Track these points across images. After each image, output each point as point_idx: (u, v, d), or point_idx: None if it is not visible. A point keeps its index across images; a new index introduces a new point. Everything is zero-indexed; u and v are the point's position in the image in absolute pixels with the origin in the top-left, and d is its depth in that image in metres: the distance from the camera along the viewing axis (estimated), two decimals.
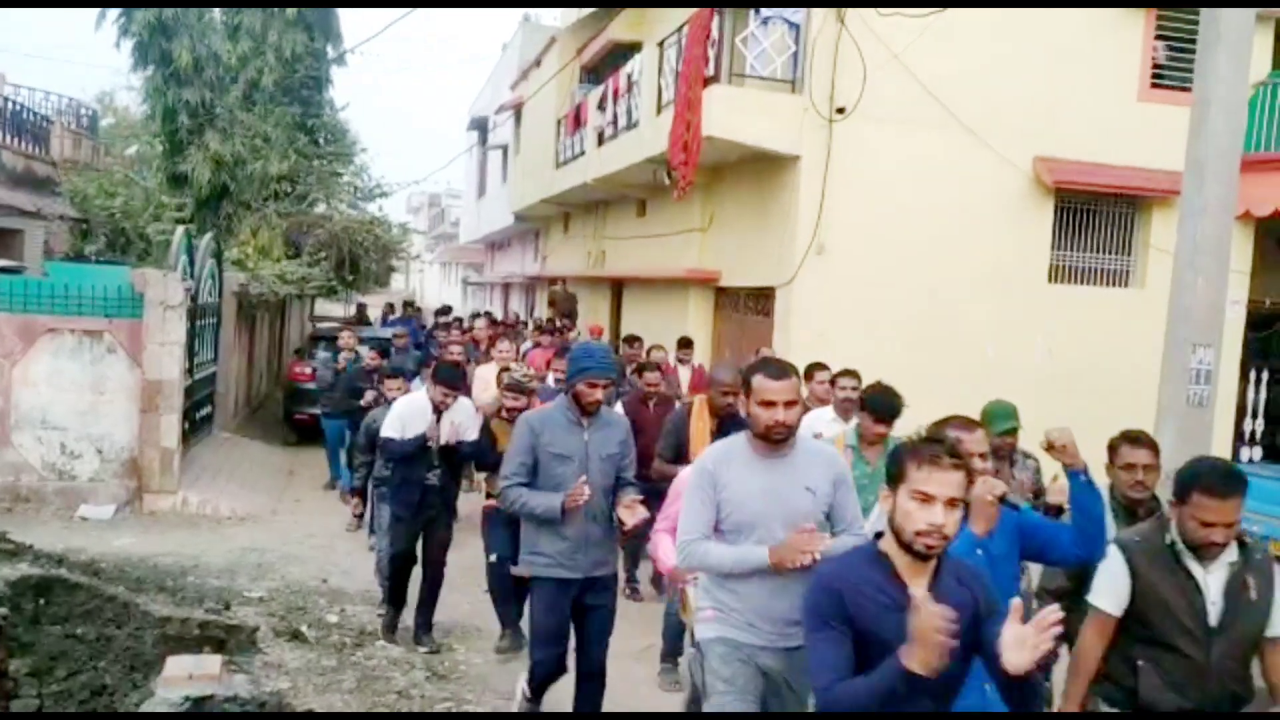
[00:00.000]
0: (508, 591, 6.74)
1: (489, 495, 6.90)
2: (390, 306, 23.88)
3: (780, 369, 3.79)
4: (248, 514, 10.67)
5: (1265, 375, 13.05)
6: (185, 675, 5.05)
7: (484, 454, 7.00)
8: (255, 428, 16.11)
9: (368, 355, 11.58)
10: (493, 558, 6.82)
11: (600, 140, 16.47)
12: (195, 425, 12.14)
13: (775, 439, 3.67)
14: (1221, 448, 11.49)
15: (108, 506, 10.25)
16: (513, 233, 28.72)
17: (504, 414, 6.92)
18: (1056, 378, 11.38)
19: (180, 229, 12.00)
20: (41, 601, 5.85)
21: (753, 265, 12.68)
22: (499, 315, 23.20)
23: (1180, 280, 4.45)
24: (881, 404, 5.43)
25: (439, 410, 6.90)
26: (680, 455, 6.67)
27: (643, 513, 4.79)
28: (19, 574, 5.72)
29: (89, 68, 71.96)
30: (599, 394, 5.00)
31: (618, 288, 18.49)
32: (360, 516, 9.85)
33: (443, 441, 6.89)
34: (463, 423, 7.01)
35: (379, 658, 6.59)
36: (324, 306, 30.48)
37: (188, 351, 11.34)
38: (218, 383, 13.85)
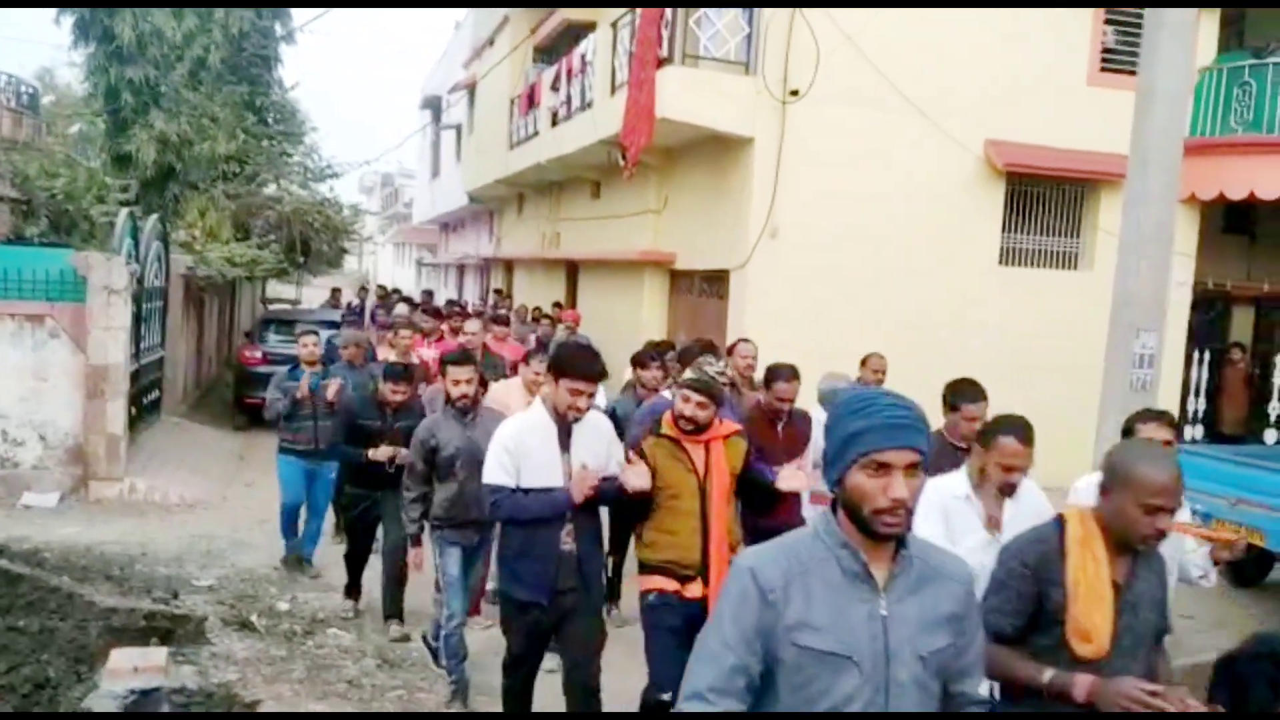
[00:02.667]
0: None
1: (645, 567, 4.67)
2: (336, 294, 21.30)
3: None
4: (197, 500, 10.52)
5: (1208, 356, 13.28)
6: (130, 668, 4.99)
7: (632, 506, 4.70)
8: (205, 412, 15.89)
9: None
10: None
11: (554, 121, 16.37)
12: (142, 410, 11.94)
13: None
14: None
15: (52, 494, 10.06)
16: (467, 213, 28.52)
17: (678, 425, 4.54)
18: (1007, 359, 11.50)
19: (124, 211, 11.76)
20: None
21: (707, 247, 12.69)
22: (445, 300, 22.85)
23: (1124, 266, 4.51)
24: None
25: (564, 426, 4.56)
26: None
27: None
28: None
29: (27, 44, 70.18)
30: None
31: (573, 270, 18.43)
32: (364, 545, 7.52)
33: (583, 491, 4.48)
34: (598, 448, 4.69)
35: (330, 646, 6.54)
36: (276, 288, 30.14)
37: (133, 336, 11.14)
38: (165, 367, 13.63)
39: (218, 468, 12.14)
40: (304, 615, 7.13)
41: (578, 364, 4.46)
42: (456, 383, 5.70)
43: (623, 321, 14.42)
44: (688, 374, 4.52)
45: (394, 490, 6.65)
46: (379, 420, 7.02)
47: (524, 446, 4.48)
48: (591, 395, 4.48)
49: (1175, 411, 12.78)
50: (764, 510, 5.01)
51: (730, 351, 7.79)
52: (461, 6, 25.45)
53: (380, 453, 6.86)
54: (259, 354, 15.03)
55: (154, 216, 13.28)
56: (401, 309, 13.24)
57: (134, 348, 11.23)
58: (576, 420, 4.48)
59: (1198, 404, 13.24)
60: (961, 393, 4.90)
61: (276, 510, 8.25)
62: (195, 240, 16.46)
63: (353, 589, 7.37)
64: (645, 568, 4.60)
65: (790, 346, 7.84)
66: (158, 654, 5.27)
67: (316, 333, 8.55)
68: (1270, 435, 12.48)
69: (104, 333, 10.33)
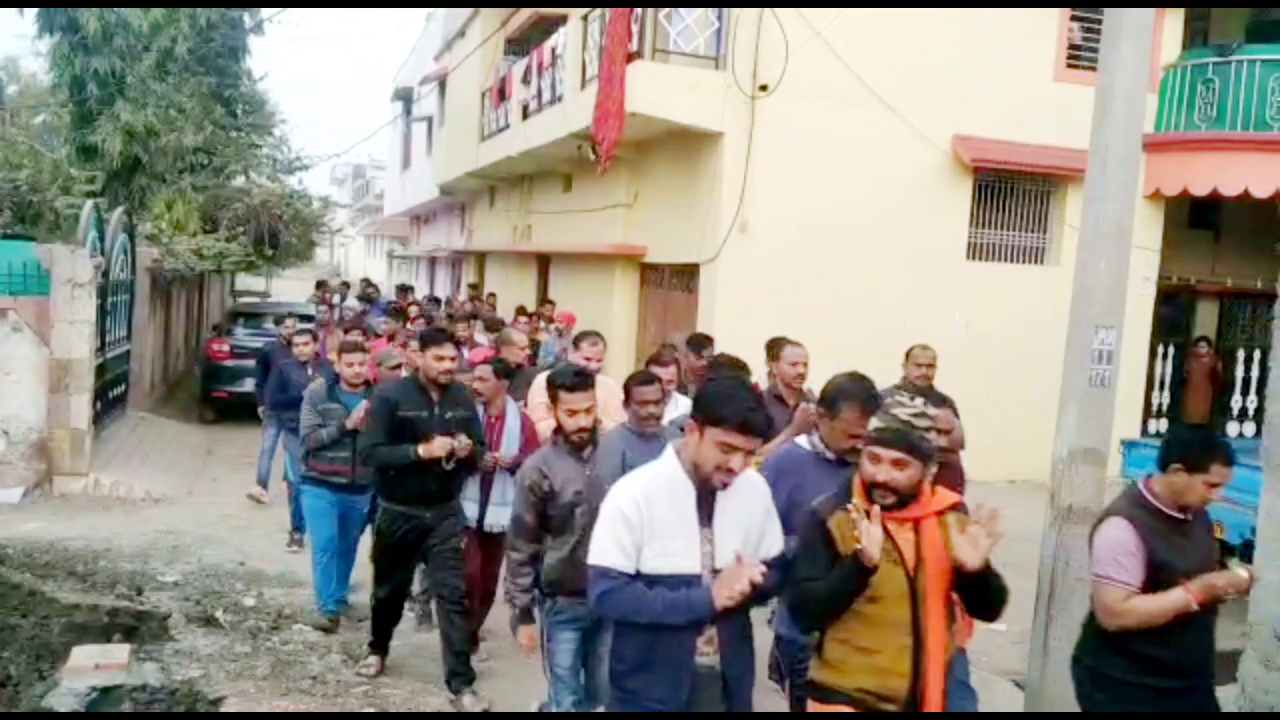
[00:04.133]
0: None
1: (824, 693, 3.44)
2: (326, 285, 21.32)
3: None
4: (163, 495, 10.45)
5: (1174, 350, 13.44)
6: (91, 665, 4.97)
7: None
8: (172, 406, 15.79)
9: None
10: None
11: (525, 114, 16.33)
12: (108, 405, 11.83)
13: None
14: (1130, 422, 11.85)
15: (15, 489, 9.96)
16: (438, 206, 28.40)
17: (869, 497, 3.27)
18: (975, 353, 11.59)
19: (89, 203, 11.65)
20: None
21: (677, 241, 12.71)
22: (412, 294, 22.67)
23: (1084, 263, 4.56)
24: None
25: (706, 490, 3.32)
26: None
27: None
28: None
29: None
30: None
31: (544, 263, 18.40)
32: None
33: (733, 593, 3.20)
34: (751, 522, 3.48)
35: (295, 642, 6.50)
36: (246, 281, 29.92)
37: (98, 329, 11.04)
38: (131, 361, 13.51)
39: (184, 462, 12.06)
40: (270, 611, 7.09)
41: (734, 410, 3.14)
42: (573, 413, 4.50)
43: (593, 315, 14.42)
44: (874, 422, 3.25)
45: (445, 506, 5.81)
46: (425, 409, 5.70)
47: (650, 516, 3.22)
48: (750, 454, 3.22)
49: (1140, 405, 12.96)
50: (988, 612, 3.37)
51: (734, 363, 6.31)
52: (432, 6, 25.24)
53: (435, 446, 5.57)
54: (226, 347, 14.94)
55: (120, 209, 13.16)
56: (352, 303, 12.85)
57: (99, 341, 11.13)
58: (724, 487, 3.23)
59: (1163, 397, 13.39)
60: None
61: (241, 506, 8.17)
62: (162, 233, 16.33)
63: (380, 644, 6.08)
64: (826, 693, 3.32)
65: (760, 339, 7.84)
66: (120, 651, 5.25)
67: (364, 348, 7.21)
68: (1232, 428, 12.64)
69: (68, 326, 10.23)
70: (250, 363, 7.60)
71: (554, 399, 4.60)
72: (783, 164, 11.55)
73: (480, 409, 6.15)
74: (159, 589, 7.31)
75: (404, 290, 17.80)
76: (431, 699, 5.73)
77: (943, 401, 4.91)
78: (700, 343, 7.46)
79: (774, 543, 3.39)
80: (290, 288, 31.50)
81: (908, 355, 7.01)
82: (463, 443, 5.63)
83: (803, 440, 4.20)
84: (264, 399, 10.01)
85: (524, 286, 18.98)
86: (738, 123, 11.48)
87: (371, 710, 5.47)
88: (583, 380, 4.57)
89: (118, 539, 8.66)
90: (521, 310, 15.59)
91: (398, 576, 6.00)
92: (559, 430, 4.59)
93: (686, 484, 3.24)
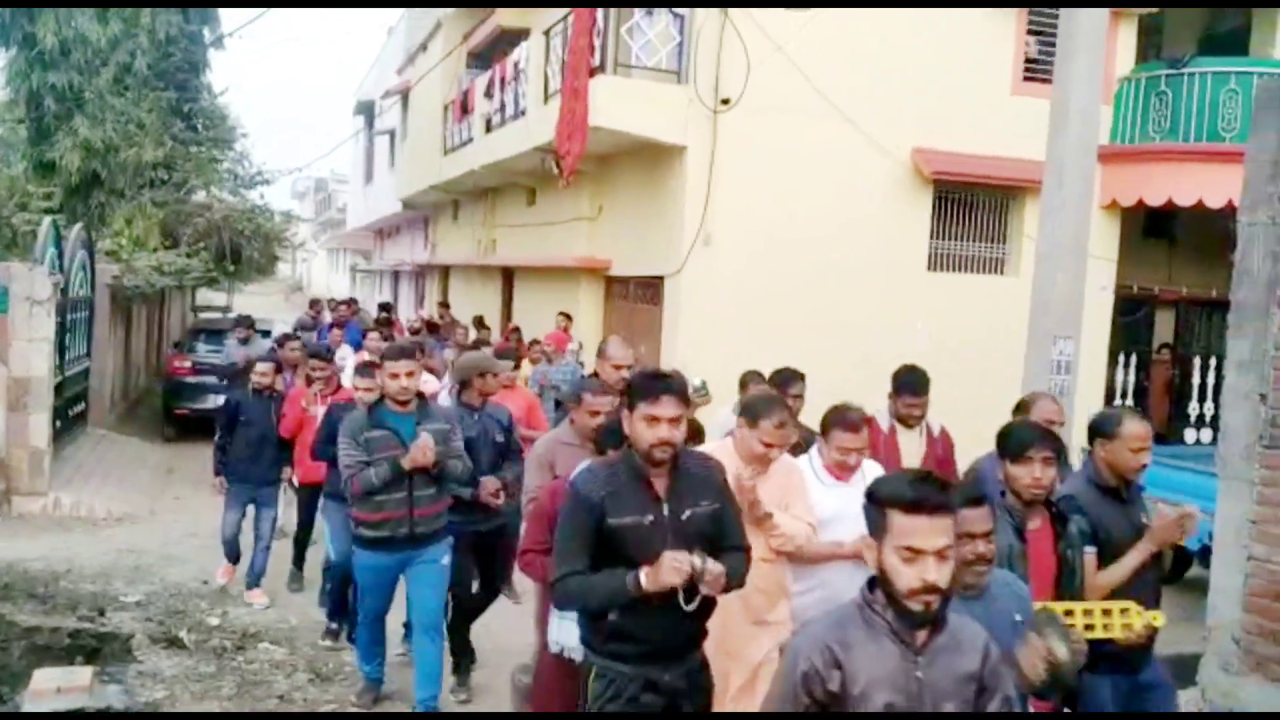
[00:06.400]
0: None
1: None
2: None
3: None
4: (125, 514, 10.33)
5: (1134, 358, 13.60)
6: (53, 688, 4.92)
7: None
8: (134, 424, 15.61)
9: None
10: None
11: (488, 127, 16.33)
12: (67, 423, 11.70)
13: None
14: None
15: None
16: (401, 220, 28.30)
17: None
18: (938, 364, 11.64)
19: (48, 219, 11.55)
20: None
21: (642, 254, 12.74)
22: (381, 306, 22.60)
23: (1041, 274, 4.64)
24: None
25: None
26: None
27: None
28: None
29: None
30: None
31: (509, 276, 18.38)
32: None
33: None
34: None
35: (261, 661, 6.46)
36: (208, 296, 29.66)
37: (58, 347, 10.91)
38: (91, 378, 13.36)
39: (146, 481, 11.93)
40: (235, 630, 7.03)
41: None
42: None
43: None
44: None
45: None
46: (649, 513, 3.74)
47: None
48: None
49: None
50: None
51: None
52: (391, 6, 25.12)
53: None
54: (188, 364, 14.81)
55: (79, 225, 13.03)
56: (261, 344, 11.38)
57: (58, 359, 11.01)
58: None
59: (1124, 405, 13.55)
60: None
61: (205, 524, 8.07)
62: (122, 249, 16.17)
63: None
64: None
65: (725, 351, 7.88)
66: (82, 674, 5.19)
67: (413, 352, 5.61)
68: (1190, 435, 12.80)
69: (26, 344, 10.12)
70: (358, 414, 5.51)
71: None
72: (746, 177, 11.62)
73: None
74: (121, 609, 7.23)
75: (386, 309, 17.68)
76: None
77: None
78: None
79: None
80: (253, 303, 31.23)
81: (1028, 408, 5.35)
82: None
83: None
84: (223, 462, 7.81)
85: (488, 300, 18.94)
86: (700, 136, 11.54)
87: None
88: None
89: (79, 559, 8.55)
90: (480, 321, 15.59)
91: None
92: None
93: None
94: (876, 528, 2.58)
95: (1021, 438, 3.80)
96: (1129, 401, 13.51)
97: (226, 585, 7.88)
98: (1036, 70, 12.55)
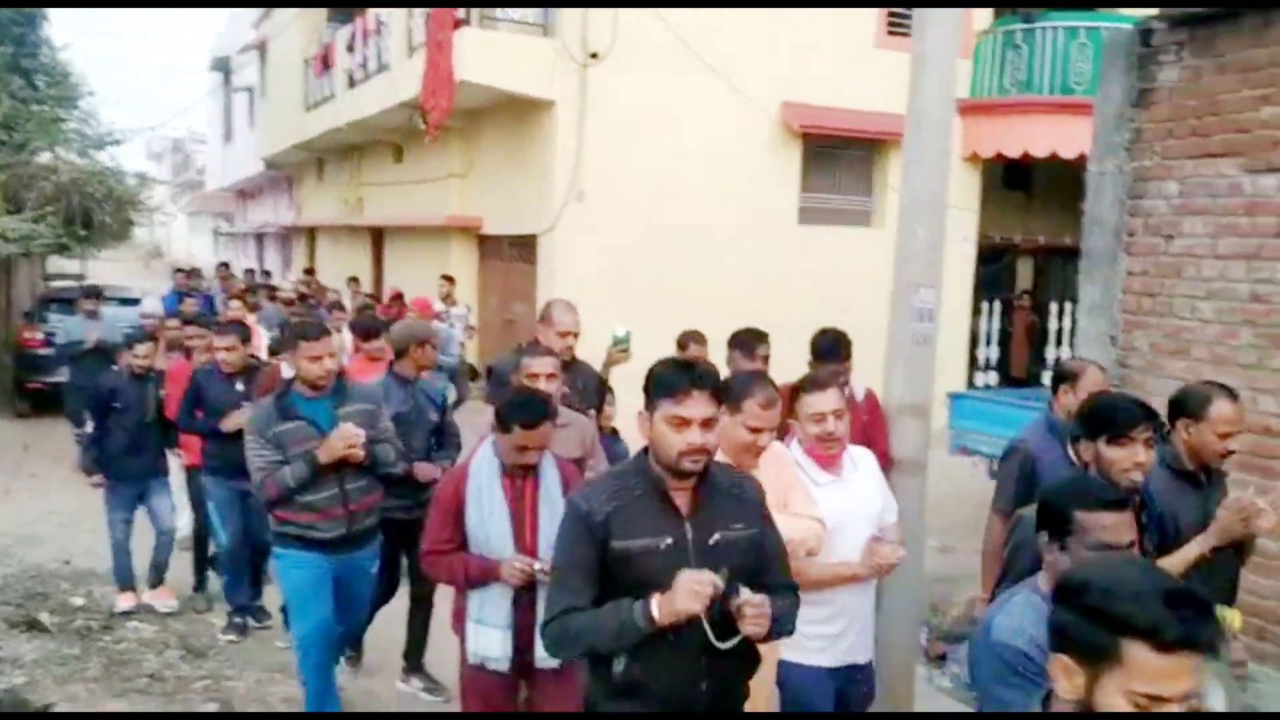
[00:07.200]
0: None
1: None
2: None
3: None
4: None
5: (996, 306, 14.07)
6: None
7: None
8: None
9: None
10: None
11: (351, 83, 15.89)
12: None
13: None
14: (955, 376, 12.39)
15: None
16: (264, 180, 27.40)
17: None
18: (806, 316, 11.83)
19: None
20: None
21: (514, 212, 12.59)
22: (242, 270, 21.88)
23: (904, 226, 4.71)
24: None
25: None
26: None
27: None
28: None
29: None
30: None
31: (378, 237, 17.98)
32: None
33: None
34: None
35: (129, 640, 6.23)
36: (59, 264, 28.24)
37: None
38: None
39: None
40: (100, 610, 6.75)
41: None
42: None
43: (431, 289, 14.17)
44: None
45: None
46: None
47: None
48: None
49: (964, 360, 13.55)
50: None
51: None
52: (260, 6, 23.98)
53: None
54: (40, 335, 14.08)
55: None
56: (150, 305, 10.58)
57: None
58: None
59: (989, 351, 14.01)
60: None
61: (64, 502, 7.64)
62: None
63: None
64: None
65: (600, 309, 7.81)
66: None
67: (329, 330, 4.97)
68: (1048, 378, 13.29)
69: None
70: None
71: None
72: (616, 132, 11.55)
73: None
74: None
75: (224, 267, 16.96)
76: (276, 688, 5.58)
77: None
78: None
79: None
80: (108, 270, 29.82)
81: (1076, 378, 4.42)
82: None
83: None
84: (97, 459, 6.71)
85: (358, 261, 18.51)
86: (569, 91, 11.42)
87: (214, 708, 5.29)
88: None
89: None
90: (354, 280, 15.22)
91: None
92: None
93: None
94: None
95: (1130, 415, 3.23)
96: (992, 347, 13.99)
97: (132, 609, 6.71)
98: (900, 24, 12.76)
